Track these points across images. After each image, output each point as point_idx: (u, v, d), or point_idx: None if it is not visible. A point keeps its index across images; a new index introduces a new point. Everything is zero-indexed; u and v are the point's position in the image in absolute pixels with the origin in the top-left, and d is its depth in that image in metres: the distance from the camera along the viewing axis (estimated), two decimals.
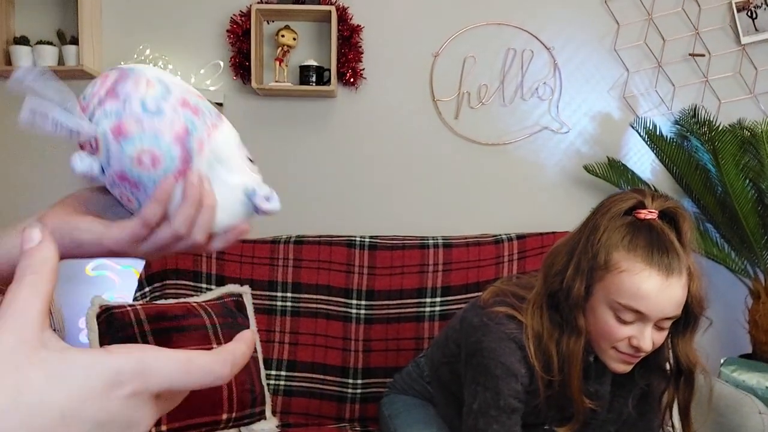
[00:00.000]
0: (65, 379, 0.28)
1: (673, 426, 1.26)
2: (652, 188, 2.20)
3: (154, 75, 0.48)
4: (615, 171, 2.20)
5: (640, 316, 1.05)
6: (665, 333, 1.09)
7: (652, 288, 1.04)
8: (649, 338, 1.06)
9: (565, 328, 1.12)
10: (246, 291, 1.87)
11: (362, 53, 2.25)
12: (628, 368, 1.11)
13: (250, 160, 0.53)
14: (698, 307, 1.10)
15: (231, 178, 0.50)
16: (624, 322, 1.07)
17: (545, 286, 1.15)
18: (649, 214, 1.10)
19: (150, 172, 0.47)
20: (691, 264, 1.08)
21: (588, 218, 1.15)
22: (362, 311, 1.90)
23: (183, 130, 0.47)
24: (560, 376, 1.12)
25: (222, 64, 2.27)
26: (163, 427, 1.56)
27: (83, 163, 0.48)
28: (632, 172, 2.21)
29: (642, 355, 1.09)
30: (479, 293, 1.89)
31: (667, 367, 1.20)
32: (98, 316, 1.62)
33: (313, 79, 2.20)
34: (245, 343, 0.33)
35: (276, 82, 2.20)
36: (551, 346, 1.12)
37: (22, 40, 2.20)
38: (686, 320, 1.11)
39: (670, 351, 1.17)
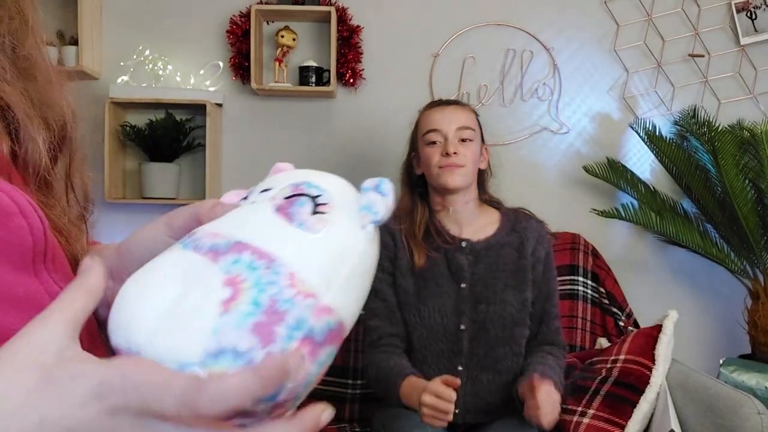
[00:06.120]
0: (51, 387, 0.28)
1: None
2: (652, 189, 2.21)
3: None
4: (614, 171, 2.20)
5: (439, 133, 1.55)
6: (471, 146, 1.56)
7: (435, 112, 1.58)
8: (452, 144, 1.53)
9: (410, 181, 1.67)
10: None
11: (362, 54, 2.25)
12: (455, 177, 1.53)
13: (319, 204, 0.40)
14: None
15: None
16: (433, 144, 1.55)
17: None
18: None
19: None
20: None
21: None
22: (362, 311, 1.90)
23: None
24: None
25: (221, 64, 2.27)
26: None
27: None
28: (632, 172, 2.20)
29: (456, 161, 1.51)
30: None
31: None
32: None
33: (313, 79, 2.20)
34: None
35: (275, 82, 2.20)
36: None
37: None
38: None
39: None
